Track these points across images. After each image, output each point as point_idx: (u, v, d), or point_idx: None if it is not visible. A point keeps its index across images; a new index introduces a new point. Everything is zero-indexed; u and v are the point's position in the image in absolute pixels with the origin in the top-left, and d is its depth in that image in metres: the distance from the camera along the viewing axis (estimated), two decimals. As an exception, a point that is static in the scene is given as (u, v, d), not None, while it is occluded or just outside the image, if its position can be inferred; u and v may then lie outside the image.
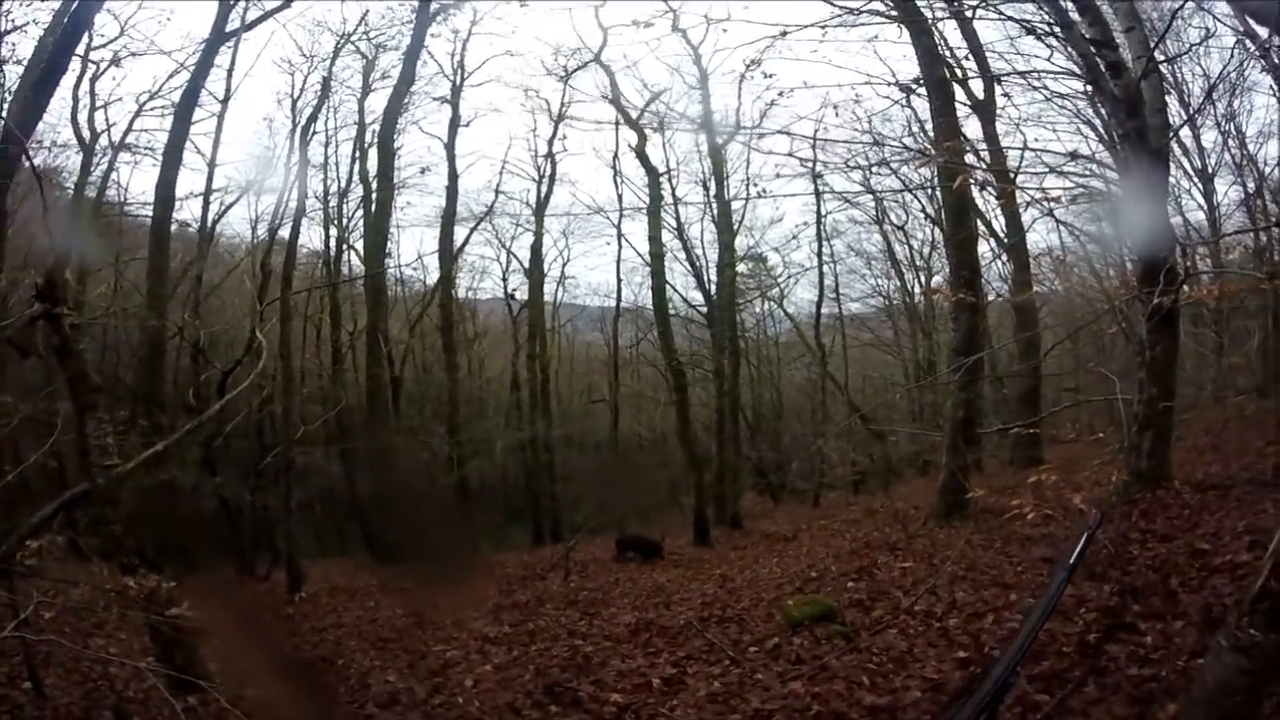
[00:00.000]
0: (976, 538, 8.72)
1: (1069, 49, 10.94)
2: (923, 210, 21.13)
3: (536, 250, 21.68)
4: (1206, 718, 3.18)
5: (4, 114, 12.50)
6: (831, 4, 11.12)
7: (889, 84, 14.59)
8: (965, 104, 15.14)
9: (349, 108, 19.55)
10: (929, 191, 18.69)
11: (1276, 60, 11.92)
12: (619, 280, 22.41)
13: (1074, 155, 13.48)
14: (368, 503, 17.42)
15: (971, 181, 11.51)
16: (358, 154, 19.60)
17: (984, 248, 16.78)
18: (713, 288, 20.17)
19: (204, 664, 6.23)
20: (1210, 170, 16.15)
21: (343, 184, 19.84)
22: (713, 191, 20.13)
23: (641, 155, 19.80)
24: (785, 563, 11.61)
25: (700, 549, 15.22)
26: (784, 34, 11.15)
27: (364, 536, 17.94)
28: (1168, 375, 8.94)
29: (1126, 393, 9.14)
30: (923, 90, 12.81)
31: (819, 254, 21.73)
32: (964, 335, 11.81)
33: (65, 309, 6.28)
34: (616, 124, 20.45)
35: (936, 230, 20.28)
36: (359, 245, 19.86)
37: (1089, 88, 11.76)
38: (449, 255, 20.26)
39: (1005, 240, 16.70)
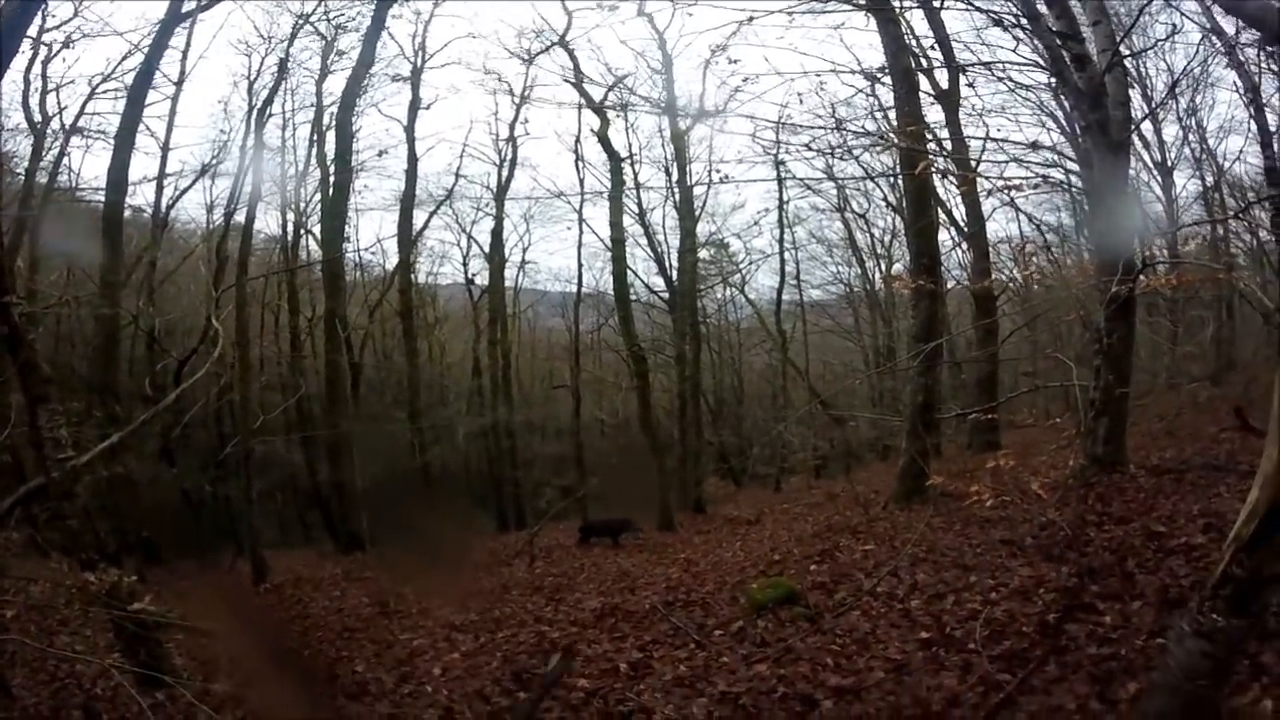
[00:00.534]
0: (936, 520, 8.84)
1: (1035, 41, 11.10)
2: (884, 198, 21.47)
3: (497, 235, 21.58)
4: (1170, 702, 3.26)
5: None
6: (799, -10, 11.19)
7: (854, 72, 14.77)
8: (930, 93, 15.35)
9: (307, 90, 19.20)
10: (891, 180, 18.93)
11: (1241, 58, 12.21)
12: (580, 265, 22.54)
13: (1035, 145, 13.68)
14: (330, 491, 17.26)
15: (933, 169, 11.62)
16: (315, 137, 19.29)
17: (944, 236, 17.14)
18: (674, 273, 20.21)
19: (170, 659, 6.16)
20: (1170, 163, 16.62)
21: (300, 167, 19.53)
22: (675, 177, 20.15)
23: (604, 139, 19.72)
24: (748, 546, 11.72)
25: (664, 533, 15.28)
26: (750, 19, 11.15)
27: (327, 525, 17.80)
28: (1124, 362, 9.15)
29: (1083, 379, 9.37)
30: (888, 79, 12.90)
31: (780, 240, 22.01)
32: (923, 322, 11.95)
33: (14, 298, 6.13)
34: (579, 108, 20.37)
35: (897, 218, 20.62)
36: (316, 230, 19.54)
37: (1053, 80, 11.93)
38: (408, 240, 19.99)
39: (965, 229, 16.98)
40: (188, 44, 17.41)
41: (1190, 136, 16.25)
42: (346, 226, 19.02)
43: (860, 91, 15.48)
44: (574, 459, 20.41)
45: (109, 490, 8.86)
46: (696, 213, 20.51)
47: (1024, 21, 10.25)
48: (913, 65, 13.27)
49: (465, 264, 22.75)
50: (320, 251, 19.02)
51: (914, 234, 12.78)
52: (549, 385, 24.32)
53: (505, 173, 21.25)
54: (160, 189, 17.82)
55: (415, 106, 19.73)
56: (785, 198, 21.57)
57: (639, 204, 20.47)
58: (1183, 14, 11.65)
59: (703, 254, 21.59)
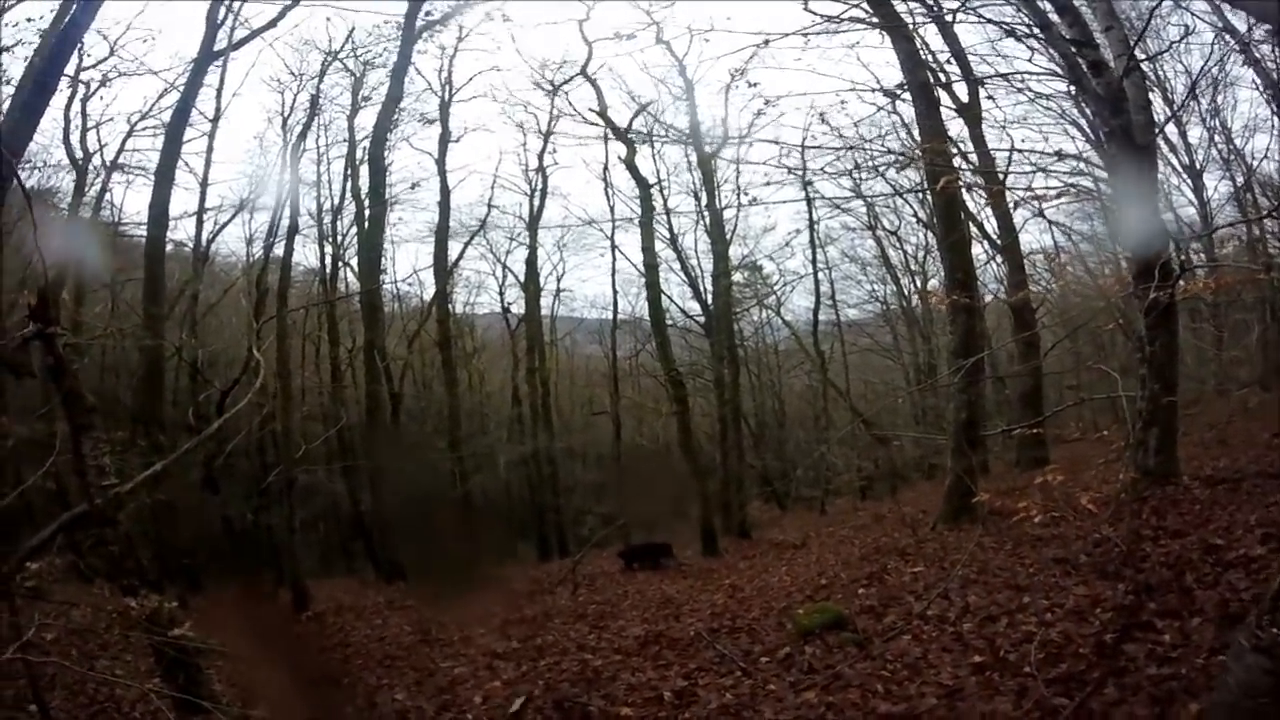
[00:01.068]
0: (986, 540, 8.64)
1: (1050, 50, 10.99)
2: (914, 214, 21.26)
3: (531, 263, 21.81)
4: (1230, 720, 3.11)
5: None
6: (812, 12, 11.21)
7: (873, 90, 14.72)
8: (950, 107, 15.24)
9: (339, 125, 19.78)
10: (920, 195, 18.76)
11: (1256, 55, 11.97)
12: (614, 292, 22.66)
13: (1060, 154, 13.48)
14: (372, 520, 17.34)
15: (960, 183, 11.48)
16: (349, 171, 19.78)
17: (978, 250, 16.89)
18: (709, 297, 20.23)
19: (210, 685, 6.14)
20: (1199, 165, 16.31)
21: (335, 200, 19.98)
22: (704, 201, 20.24)
23: (631, 167, 19.92)
24: (794, 571, 11.52)
25: (708, 559, 15.16)
26: (766, 42, 11.28)
27: (369, 554, 17.86)
28: (1169, 370, 8.94)
29: (1129, 390, 9.12)
30: (907, 95, 12.83)
31: (813, 261, 21.93)
32: (962, 337, 11.78)
33: (59, 329, 6.21)
34: (605, 137, 20.61)
35: (929, 234, 20.35)
36: (354, 262, 19.95)
37: (1072, 87, 11.82)
38: (444, 270, 20.25)
39: (998, 242, 16.73)
40: (221, 81, 17.97)
41: (1216, 138, 16.04)
42: (383, 258, 19.48)
43: (881, 109, 15.34)
44: (615, 485, 20.31)
45: (152, 518, 8.94)
46: (728, 236, 20.60)
47: (1037, 31, 10.14)
48: (930, 80, 13.17)
49: (501, 293, 23.09)
50: (358, 283, 19.33)
51: (946, 249, 12.63)
52: (588, 412, 24.36)
53: (537, 202, 21.62)
54: (200, 223, 18.36)
55: (445, 140, 20.19)
56: (815, 218, 21.59)
57: (670, 229, 20.65)
58: (1193, 14, 11.51)
59: (736, 277, 21.65)
